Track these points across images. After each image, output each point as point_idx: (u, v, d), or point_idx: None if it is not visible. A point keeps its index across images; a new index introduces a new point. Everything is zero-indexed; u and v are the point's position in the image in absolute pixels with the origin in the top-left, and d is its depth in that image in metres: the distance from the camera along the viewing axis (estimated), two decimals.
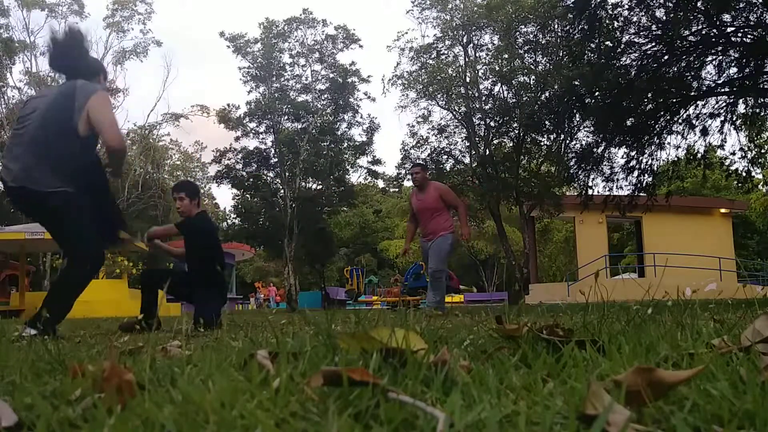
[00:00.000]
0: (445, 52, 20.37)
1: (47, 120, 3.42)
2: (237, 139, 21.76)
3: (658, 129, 12.27)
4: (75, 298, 3.52)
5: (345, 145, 22.26)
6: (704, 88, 11.73)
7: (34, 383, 1.06)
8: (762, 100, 11.62)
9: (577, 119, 14.16)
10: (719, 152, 14.21)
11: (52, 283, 3.69)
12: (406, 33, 28.32)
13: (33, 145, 3.39)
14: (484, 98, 19.72)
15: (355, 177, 24.71)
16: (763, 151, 13.87)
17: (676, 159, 13.66)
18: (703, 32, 10.80)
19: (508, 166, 19.38)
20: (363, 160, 22.88)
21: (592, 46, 11.57)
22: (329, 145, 21.67)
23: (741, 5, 10.18)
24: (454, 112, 20.34)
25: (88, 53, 3.81)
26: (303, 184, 21.41)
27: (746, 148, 13.61)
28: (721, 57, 11.34)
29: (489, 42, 19.98)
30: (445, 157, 20.66)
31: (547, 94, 16.97)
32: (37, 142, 3.39)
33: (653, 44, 11.20)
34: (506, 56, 18.98)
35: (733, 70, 11.44)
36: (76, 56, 3.62)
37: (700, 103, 12.12)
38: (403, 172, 21.50)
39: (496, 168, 19.25)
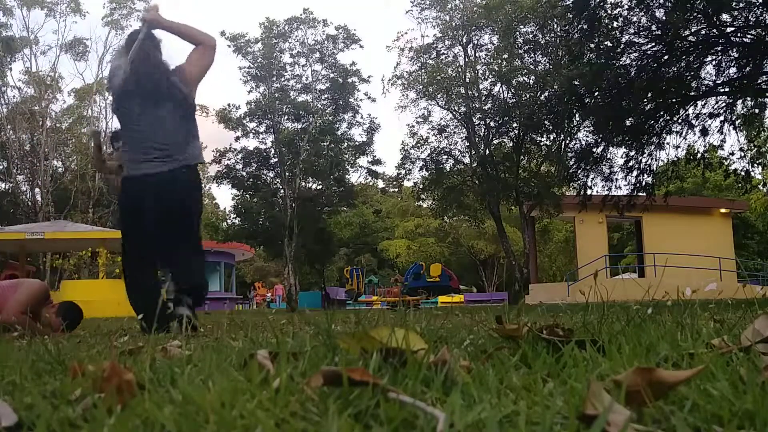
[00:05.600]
0: (445, 52, 20.39)
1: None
2: (237, 139, 21.75)
3: (657, 129, 12.26)
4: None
5: (345, 145, 22.22)
6: (704, 88, 11.73)
7: (34, 383, 1.06)
8: (761, 100, 11.63)
9: (577, 119, 14.17)
10: (719, 152, 14.22)
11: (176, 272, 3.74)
12: (406, 33, 28.37)
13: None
14: (483, 98, 19.73)
15: (355, 177, 24.69)
16: (762, 150, 13.87)
17: (675, 159, 13.67)
18: (703, 32, 10.80)
19: (507, 166, 19.39)
20: (363, 160, 22.85)
21: (592, 46, 11.58)
22: (329, 145, 21.64)
23: (740, 5, 10.19)
24: (454, 112, 20.34)
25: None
26: (303, 184, 21.39)
27: (745, 148, 13.62)
28: (720, 57, 11.34)
29: (489, 42, 20.01)
30: (445, 157, 20.67)
31: (546, 94, 16.98)
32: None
33: (653, 44, 11.21)
34: (506, 56, 19.00)
35: (733, 70, 11.46)
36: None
37: (699, 103, 12.12)
38: (402, 172, 21.53)
39: (496, 168, 19.25)
